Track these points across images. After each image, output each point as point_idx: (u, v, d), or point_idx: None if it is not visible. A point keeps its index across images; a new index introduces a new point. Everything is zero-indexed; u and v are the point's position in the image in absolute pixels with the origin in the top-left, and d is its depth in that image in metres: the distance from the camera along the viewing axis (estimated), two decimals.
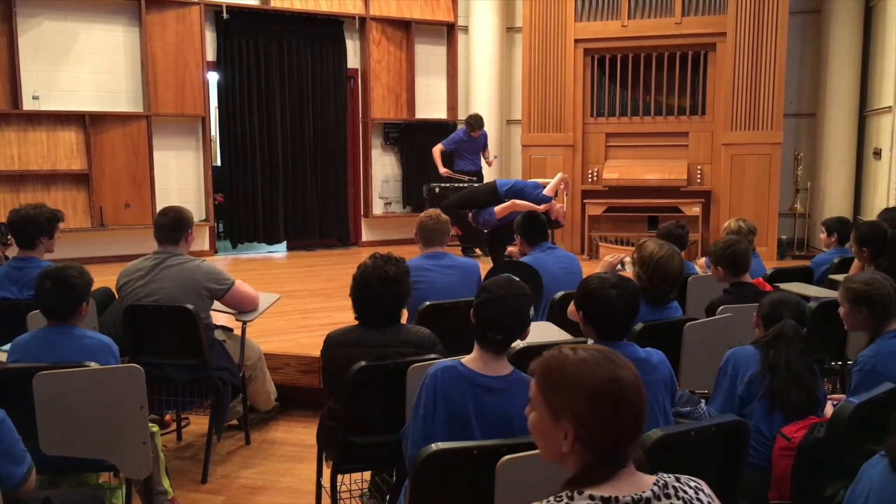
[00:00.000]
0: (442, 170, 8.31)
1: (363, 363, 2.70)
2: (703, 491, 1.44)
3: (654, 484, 1.41)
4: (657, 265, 3.15)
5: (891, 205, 6.96)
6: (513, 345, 2.44)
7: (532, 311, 2.42)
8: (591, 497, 1.37)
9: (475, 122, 8.36)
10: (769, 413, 2.57)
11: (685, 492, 1.42)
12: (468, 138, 8.45)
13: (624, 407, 1.39)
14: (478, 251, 8.18)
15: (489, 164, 8.67)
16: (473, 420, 2.26)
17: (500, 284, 2.40)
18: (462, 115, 9.45)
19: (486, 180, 8.24)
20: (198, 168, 8.56)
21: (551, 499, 1.40)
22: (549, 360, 1.46)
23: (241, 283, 3.86)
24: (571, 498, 1.38)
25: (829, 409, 2.63)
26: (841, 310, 2.97)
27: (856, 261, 4.53)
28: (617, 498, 1.37)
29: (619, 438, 1.40)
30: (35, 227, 3.94)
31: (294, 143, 8.97)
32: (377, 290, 2.84)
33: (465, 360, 2.35)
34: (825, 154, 8.68)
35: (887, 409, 2.34)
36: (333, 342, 2.90)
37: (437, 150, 8.45)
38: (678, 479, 1.44)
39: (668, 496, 1.40)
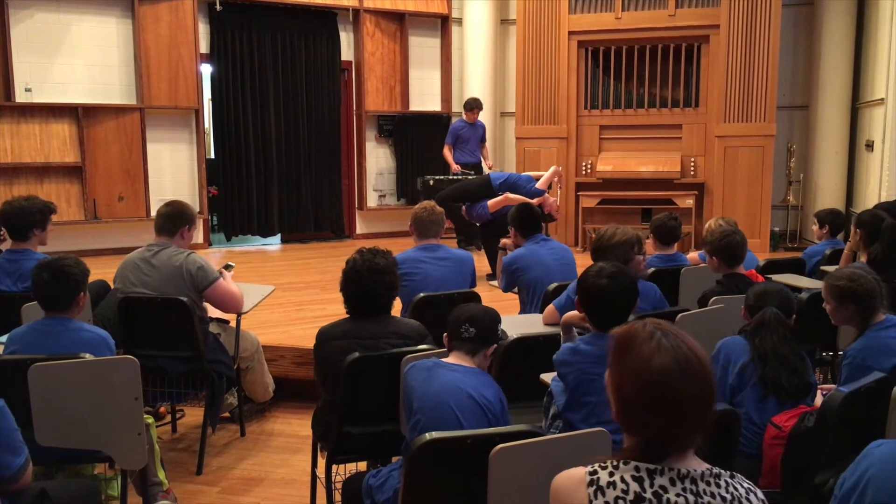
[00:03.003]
0: (454, 166, 8.31)
1: (356, 354, 2.72)
2: (755, 494, 1.42)
3: (706, 469, 1.40)
4: (598, 241, 3.45)
5: (883, 197, 6.99)
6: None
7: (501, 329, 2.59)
8: (637, 468, 1.37)
9: (472, 102, 8.35)
10: (761, 401, 2.59)
11: (736, 489, 1.40)
12: (464, 125, 8.44)
13: (665, 402, 1.36)
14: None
15: (489, 167, 8.65)
16: (441, 389, 2.33)
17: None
18: (456, 108, 9.45)
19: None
20: (191, 161, 8.54)
21: (599, 463, 1.41)
22: (627, 330, 1.46)
23: (225, 282, 3.77)
24: (616, 467, 1.39)
25: (819, 399, 2.65)
26: (826, 306, 2.97)
27: (848, 245, 4.54)
28: (663, 470, 1.37)
29: (657, 430, 1.37)
30: (28, 218, 3.93)
31: (288, 136, 8.96)
32: (369, 281, 2.86)
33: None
34: (818, 146, 8.71)
35: (877, 398, 2.37)
36: (324, 336, 2.93)
37: (446, 150, 8.46)
38: (732, 476, 1.42)
39: (717, 485, 1.38)
